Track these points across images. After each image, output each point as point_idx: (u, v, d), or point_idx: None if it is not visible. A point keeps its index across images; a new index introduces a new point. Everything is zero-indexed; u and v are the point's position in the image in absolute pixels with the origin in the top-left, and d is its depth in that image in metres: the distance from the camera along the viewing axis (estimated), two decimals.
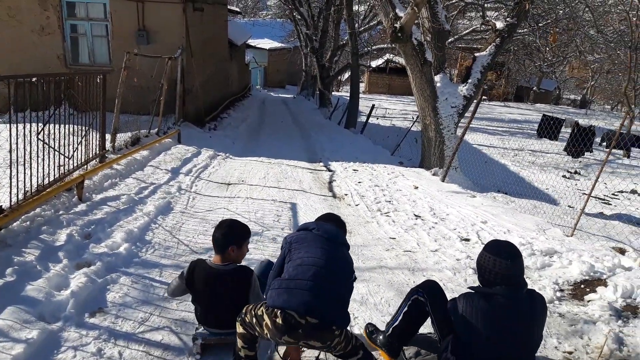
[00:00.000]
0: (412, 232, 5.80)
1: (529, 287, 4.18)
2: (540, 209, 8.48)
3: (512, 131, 21.92)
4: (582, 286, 4.19)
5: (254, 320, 2.55)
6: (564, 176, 13.45)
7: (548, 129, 8.70)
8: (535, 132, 9.70)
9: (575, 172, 14.01)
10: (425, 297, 2.86)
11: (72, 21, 11.88)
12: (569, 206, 9.47)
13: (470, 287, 2.59)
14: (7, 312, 3.03)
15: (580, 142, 8.24)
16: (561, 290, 4.16)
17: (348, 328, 2.66)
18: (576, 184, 12.41)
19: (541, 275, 4.48)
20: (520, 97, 39.46)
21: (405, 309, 2.96)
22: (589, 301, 3.91)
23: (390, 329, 3.00)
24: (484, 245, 2.63)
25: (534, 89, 38.11)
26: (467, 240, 5.52)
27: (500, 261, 2.43)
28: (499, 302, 2.40)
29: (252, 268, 3.16)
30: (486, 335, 2.39)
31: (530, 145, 16.50)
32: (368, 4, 22.19)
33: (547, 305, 3.82)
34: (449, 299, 2.74)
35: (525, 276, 4.36)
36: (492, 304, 2.41)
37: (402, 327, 2.96)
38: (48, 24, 11.64)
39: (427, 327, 3.11)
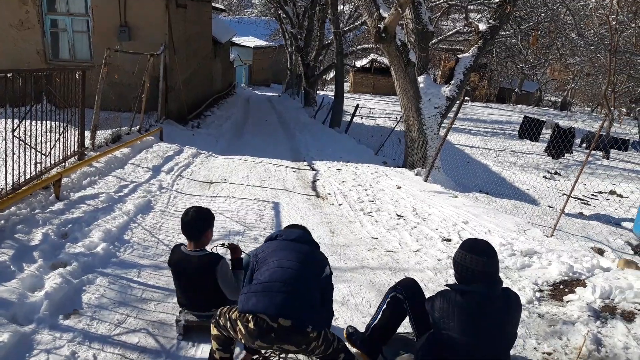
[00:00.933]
0: (395, 232, 5.80)
1: (509, 287, 4.26)
2: (521, 209, 8.56)
3: (494, 132, 22.15)
4: (561, 287, 4.23)
5: (228, 324, 2.50)
6: (544, 177, 13.63)
7: (529, 130, 8.79)
8: (517, 133, 9.79)
9: (556, 173, 14.20)
10: (403, 295, 2.87)
11: (52, 16, 11.67)
12: (549, 206, 9.58)
13: (447, 285, 2.60)
14: None
15: (561, 143, 8.32)
16: (540, 291, 4.19)
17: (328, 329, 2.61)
18: (556, 185, 12.58)
19: (521, 275, 4.52)
20: (503, 98, 39.90)
21: (384, 306, 2.96)
22: (567, 302, 3.95)
23: (370, 329, 3.00)
24: (460, 243, 2.64)
25: (516, 90, 38.55)
26: (449, 240, 5.54)
27: (476, 259, 2.44)
28: (475, 299, 2.41)
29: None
30: (461, 332, 2.41)
31: (511, 146, 16.69)
32: (353, 3, 22.18)
33: (527, 305, 3.88)
34: (427, 297, 2.74)
35: (505, 276, 4.44)
36: (468, 301, 2.42)
37: (381, 326, 2.96)
38: (27, 19, 11.41)
39: (406, 328, 3.12)
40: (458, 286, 2.51)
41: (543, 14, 12.69)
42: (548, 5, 12.22)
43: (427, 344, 2.56)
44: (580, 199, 10.94)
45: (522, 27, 14.07)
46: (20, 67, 9.74)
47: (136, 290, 3.80)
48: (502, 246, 5.19)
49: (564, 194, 7.22)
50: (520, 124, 9.25)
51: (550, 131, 8.99)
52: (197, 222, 3.11)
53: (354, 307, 3.81)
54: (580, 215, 8.42)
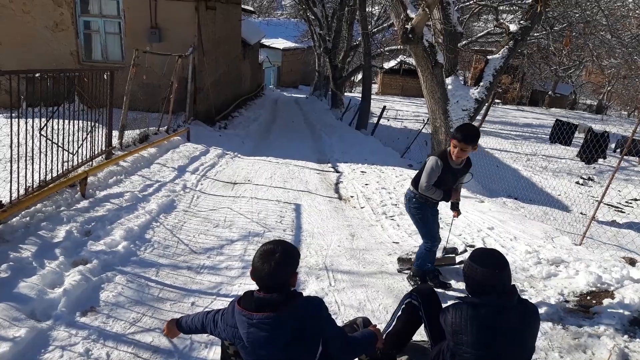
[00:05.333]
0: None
1: (534, 297, 4.12)
2: (551, 216, 8.32)
3: (526, 135, 21.63)
4: (588, 298, 4.06)
5: None
6: (577, 182, 13.22)
7: (561, 134, 8.51)
8: (548, 137, 9.51)
9: (589, 179, 13.76)
10: (419, 301, 2.79)
11: (86, 18, 11.94)
12: (581, 213, 9.28)
13: (458, 297, 2.51)
14: None
15: (594, 148, 8.03)
16: (566, 302, 4.03)
17: None
18: (589, 191, 12.18)
19: (546, 285, 4.36)
20: (535, 101, 38.96)
21: (399, 313, 2.89)
22: (594, 314, 3.78)
23: (385, 335, 2.92)
24: (469, 254, 2.53)
25: (550, 93, 37.57)
26: (472, 246, 5.39)
27: (486, 271, 2.33)
28: (488, 312, 2.31)
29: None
30: (475, 346, 2.30)
31: (543, 150, 16.24)
32: (381, 5, 22.05)
33: (551, 317, 3.74)
34: (442, 308, 2.65)
35: (529, 285, 4.30)
36: (481, 314, 2.32)
37: (396, 333, 2.89)
38: (62, 20, 11.72)
39: (422, 336, 3.03)
40: (470, 299, 2.41)
41: (578, 15, 12.31)
42: (581, 5, 11.83)
43: (442, 356, 2.48)
44: (614, 206, 10.56)
45: (554, 28, 13.69)
46: (54, 68, 10.03)
47: (153, 289, 3.83)
48: (528, 254, 5.03)
49: (597, 200, 6.96)
50: (552, 128, 8.98)
51: (583, 135, 8.70)
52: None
53: (370, 312, 3.74)
54: (612, 223, 8.11)
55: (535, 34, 15.35)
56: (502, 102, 35.21)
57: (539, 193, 11.40)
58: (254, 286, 2.15)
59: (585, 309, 3.89)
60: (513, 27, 9.81)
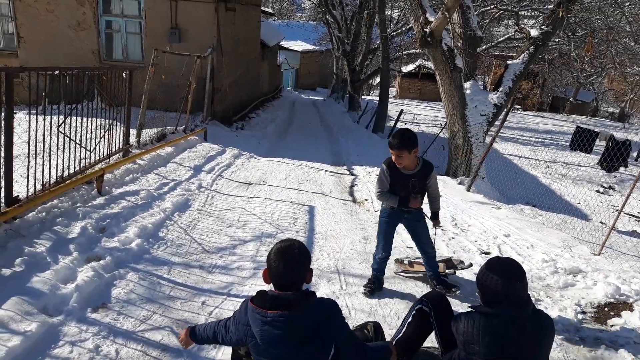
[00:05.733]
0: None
1: (550, 306, 4.03)
2: (570, 224, 8.18)
3: (546, 142, 21.31)
4: (606, 309, 3.95)
5: None
6: (597, 191, 12.97)
7: (581, 141, 8.37)
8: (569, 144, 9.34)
9: (610, 188, 13.49)
10: (429, 308, 2.73)
11: (107, 17, 12.12)
12: (601, 222, 9.10)
13: (471, 306, 2.45)
14: (10, 302, 3.03)
15: (615, 156, 7.88)
16: (583, 313, 3.93)
17: None
18: (609, 200, 11.94)
19: (563, 295, 4.26)
20: (556, 107, 38.38)
21: (410, 319, 2.84)
22: (612, 326, 3.68)
23: (394, 342, 2.88)
24: (485, 262, 2.46)
25: (571, 99, 36.96)
26: (488, 253, 5.31)
27: (502, 282, 2.25)
28: (500, 322, 2.25)
29: None
30: (487, 357, 2.24)
31: (563, 157, 15.99)
32: (401, 8, 21.96)
33: (567, 328, 3.65)
34: (454, 316, 2.59)
35: (546, 295, 4.20)
36: (494, 325, 2.25)
37: (406, 339, 2.84)
38: (84, 20, 11.91)
39: (434, 343, 2.98)
40: (482, 308, 2.34)
41: (600, 21, 12.09)
42: (604, 11, 11.62)
43: None
44: (635, 216, 10.32)
45: (576, 34, 13.46)
46: (74, 66, 10.17)
47: (165, 287, 3.84)
48: (545, 263, 4.93)
49: (617, 210, 6.81)
50: (572, 135, 8.83)
51: (604, 143, 8.53)
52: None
53: (381, 318, 3.69)
54: (633, 233, 7.93)
55: (557, 40, 15.14)
56: (521, 108, 34.78)
57: (558, 201, 11.21)
58: (265, 287, 2.14)
59: (602, 321, 3.79)
60: (534, 32, 9.68)
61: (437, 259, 4.34)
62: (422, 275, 4.46)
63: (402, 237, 5.76)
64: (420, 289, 4.29)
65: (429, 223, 4.15)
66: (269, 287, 2.17)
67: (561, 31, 12.51)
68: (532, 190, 11.60)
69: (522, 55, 9.81)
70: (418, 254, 4.41)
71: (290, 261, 2.09)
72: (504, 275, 2.27)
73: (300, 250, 2.15)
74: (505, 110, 9.26)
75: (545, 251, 5.26)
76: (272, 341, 2.04)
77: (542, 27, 9.66)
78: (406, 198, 3.84)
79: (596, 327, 3.72)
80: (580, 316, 3.87)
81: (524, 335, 2.24)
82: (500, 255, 2.75)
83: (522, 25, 11.34)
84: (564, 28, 12.08)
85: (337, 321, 2.18)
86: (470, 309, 2.42)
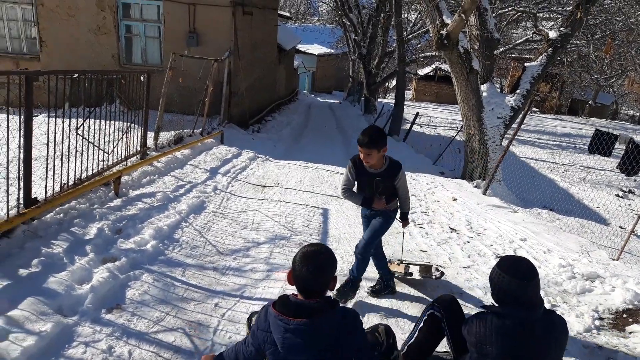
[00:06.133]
0: (445, 246, 5.59)
1: (567, 312, 3.96)
2: (588, 229, 8.04)
3: (564, 145, 20.99)
4: (625, 316, 3.88)
5: None
6: (616, 195, 12.71)
7: (600, 144, 8.22)
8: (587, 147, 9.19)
9: (629, 192, 13.21)
10: (441, 313, 2.71)
11: (127, 22, 12.30)
12: (620, 227, 8.92)
13: (483, 307, 2.42)
14: (26, 302, 3.08)
15: (635, 160, 7.72)
16: (600, 319, 3.86)
17: None
18: (629, 204, 11.70)
19: (580, 300, 4.19)
20: (575, 110, 37.78)
21: (421, 324, 2.82)
22: (630, 333, 3.61)
23: (406, 347, 2.86)
24: (497, 261, 2.44)
25: (590, 102, 36.38)
26: None
27: (514, 281, 2.23)
28: (513, 323, 2.22)
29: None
30: (499, 358, 2.22)
31: (582, 160, 15.73)
32: (418, 11, 21.88)
33: (584, 334, 3.59)
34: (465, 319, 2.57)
35: (562, 300, 4.14)
36: (506, 325, 2.23)
37: (418, 345, 2.82)
38: (104, 24, 12.10)
39: (446, 347, 2.95)
40: (495, 308, 2.33)
41: (621, 22, 11.89)
42: (625, 13, 11.42)
43: None
44: None
45: (595, 36, 13.25)
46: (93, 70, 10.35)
47: (179, 289, 3.87)
48: (562, 267, 4.86)
49: (637, 214, 6.67)
50: (591, 138, 8.68)
51: (624, 146, 8.37)
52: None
53: (394, 322, 3.68)
54: None
55: (576, 42, 14.92)
56: (539, 110, 34.34)
57: (576, 205, 11.02)
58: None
59: (620, 327, 3.72)
60: (552, 34, 9.56)
61: (420, 263, 4.44)
62: (402, 275, 4.41)
63: (417, 241, 5.74)
64: (433, 293, 4.25)
65: (399, 223, 4.16)
66: (289, 291, 2.16)
67: (580, 33, 12.32)
68: (550, 194, 11.42)
69: (540, 57, 9.69)
70: (429, 258, 4.38)
71: (316, 266, 2.08)
72: (513, 274, 2.25)
73: (327, 256, 2.14)
74: (522, 113, 9.16)
75: (562, 256, 5.18)
76: (293, 349, 2.03)
77: (561, 28, 9.53)
78: (371, 198, 3.76)
79: (614, 333, 3.65)
80: (597, 322, 3.81)
81: (533, 337, 2.21)
82: (512, 255, 2.69)
83: (540, 27, 11.21)
84: (583, 30, 11.91)
85: (359, 333, 2.17)
86: (482, 310, 2.40)
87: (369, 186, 3.76)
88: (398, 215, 4.07)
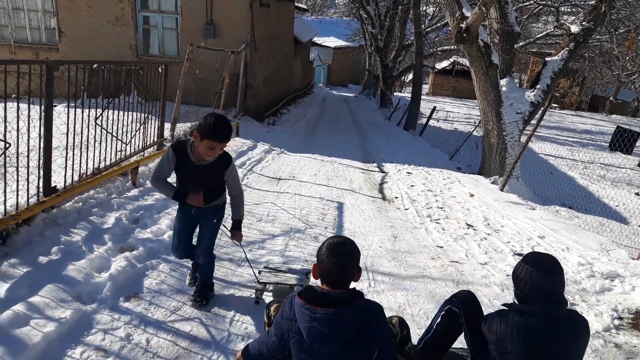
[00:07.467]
0: (462, 242, 5.53)
1: (586, 311, 3.90)
2: (607, 227, 7.91)
3: (584, 142, 20.61)
4: None
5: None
6: (637, 194, 12.47)
7: (621, 142, 8.07)
8: (608, 144, 9.02)
9: None
10: (459, 308, 2.67)
11: (145, 13, 12.35)
12: None
13: (504, 304, 2.38)
14: (46, 289, 3.13)
15: None
16: (620, 318, 3.79)
17: None
18: None
19: (599, 300, 4.12)
20: (595, 106, 37.09)
21: (439, 320, 2.79)
22: None
23: (423, 342, 2.84)
24: (522, 257, 2.40)
25: (611, 98, 35.68)
26: (521, 255, 5.18)
27: (541, 275, 2.19)
28: (536, 321, 2.18)
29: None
30: (520, 356, 2.19)
31: (602, 158, 15.47)
32: (436, 4, 21.64)
33: (603, 333, 3.54)
34: (484, 316, 2.53)
35: (581, 299, 4.08)
36: (528, 323, 2.19)
37: (435, 340, 2.79)
38: (122, 15, 12.17)
39: (464, 344, 2.93)
40: (517, 306, 2.29)
41: None
42: None
43: None
44: None
45: (618, 31, 12.97)
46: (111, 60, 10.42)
47: None
48: (581, 266, 4.78)
49: None
50: (612, 135, 8.53)
51: None
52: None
53: (409, 317, 3.65)
54: None
55: (598, 37, 14.64)
56: (559, 106, 33.80)
57: (596, 203, 10.84)
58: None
59: None
60: (574, 29, 9.38)
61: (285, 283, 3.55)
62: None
63: (433, 237, 5.70)
64: (450, 289, 4.22)
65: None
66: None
67: (603, 28, 12.07)
68: (569, 191, 11.24)
69: (562, 52, 9.52)
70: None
71: (342, 258, 2.08)
72: (541, 269, 2.21)
73: (353, 247, 2.13)
74: (542, 108, 9.01)
75: (581, 254, 5.10)
76: (318, 338, 2.03)
77: (583, 23, 9.34)
78: (186, 193, 3.16)
79: (634, 333, 3.58)
80: (616, 322, 3.74)
81: (559, 335, 2.17)
82: (536, 251, 2.61)
83: (562, 21, 11.00)
84: (606, 24, 11.66)
85: (382, 326, 2.17)
86: (503, 307, 2.36)
87: (192, 180, 3.19)
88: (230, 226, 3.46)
